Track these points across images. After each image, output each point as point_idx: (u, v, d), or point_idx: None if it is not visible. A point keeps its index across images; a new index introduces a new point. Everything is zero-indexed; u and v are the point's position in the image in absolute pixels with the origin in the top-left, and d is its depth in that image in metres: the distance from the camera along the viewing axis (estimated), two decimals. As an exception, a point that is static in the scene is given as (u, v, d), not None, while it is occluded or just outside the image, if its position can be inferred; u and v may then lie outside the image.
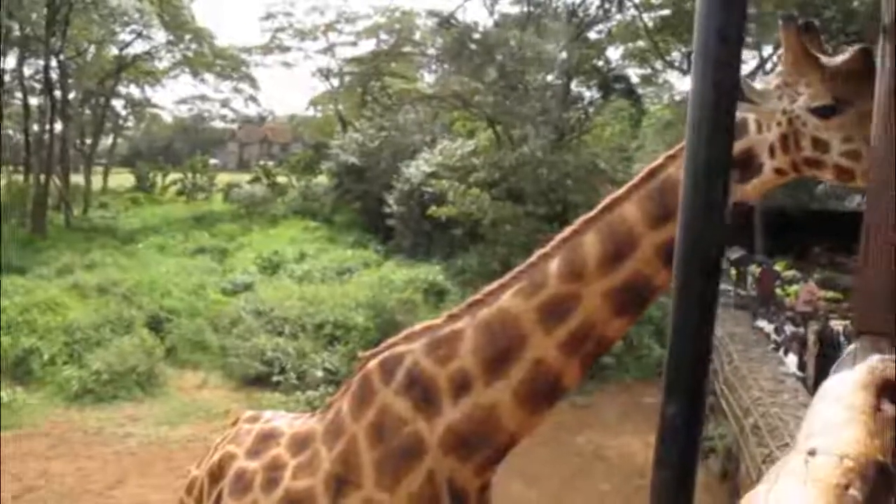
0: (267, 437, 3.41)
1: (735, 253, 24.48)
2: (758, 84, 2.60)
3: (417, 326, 3.00)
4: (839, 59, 2.50)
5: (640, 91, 40.40)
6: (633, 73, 40.23)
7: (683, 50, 35.38)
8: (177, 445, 16.66)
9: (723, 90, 1.04)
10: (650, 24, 34.90)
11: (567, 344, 2.58)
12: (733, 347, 18.11)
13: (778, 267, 26.90)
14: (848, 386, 1.65)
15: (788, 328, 19.40)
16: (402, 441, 2.79)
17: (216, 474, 3.53)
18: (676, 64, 36.70)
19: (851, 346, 2.00)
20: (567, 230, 2.67)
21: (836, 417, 1.43)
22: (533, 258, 2.74)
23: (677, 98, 38.71)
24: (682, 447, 1.00)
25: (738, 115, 2.38)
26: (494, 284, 2.81)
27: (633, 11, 35.61)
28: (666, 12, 34.14)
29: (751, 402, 14.03)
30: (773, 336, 20.18)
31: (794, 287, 24.43)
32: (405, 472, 2.78)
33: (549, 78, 30.26)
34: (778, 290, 24.60)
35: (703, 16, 1.04)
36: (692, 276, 1.00)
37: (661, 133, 34.38)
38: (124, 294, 23.80)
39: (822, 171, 2.49)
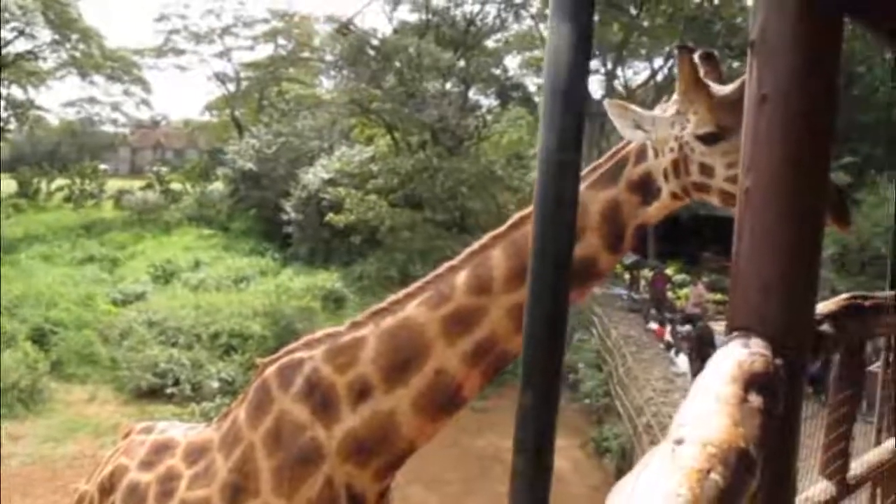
0: (161, 449, 3.30)
1: (629, 258, 25.23)
2: (655, 111, 2.70)
3: (318, 333, 2.97)
4: (728, 87, 2.60)
5: (537, 99, 41.20)
6: (531, 82, 41.01)
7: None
8: (62, 463, 15.99)
9: (571, 95, 1.11)
10: (546, 34, 35.70)
11: (470, 356, 2.62)
12: (627, 350, 18.65)
13: (670, 271, 27.90)
14: (718, 379, 1.74)
15: (679, 329, 20.11)
16: (300, 448, 2.78)
17: (107, 488, 3.39)
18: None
19: (725, 342, 2.11)
20: (476, 245, 2.72)
21: (704, 409, 1.51)
22: (440, 270, 2.77)
23: (574, 108, 39.67)
24: (537, 433, 1.05)
25: (643, 140, 2.57)
26: (400, 294, 2.83)
27: (529, 21, 36.36)
28: (562, 23, 34.99)
29: (643, 401, 14.49)
30: (666, 337, 20.87)
31: (685, 290, 25.37)
32: (303, 479, 2.77)
33: (448, 86, 30.56)
34: (670, 293, 25.49)
35: (552, 26, 1.12)
36: (545, 268, 1.06)
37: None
38: (6, 306, 22.71)
39: (710, 195, 2.62)
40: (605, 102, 2.62)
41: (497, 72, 36.97)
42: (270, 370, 2.97)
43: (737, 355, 1.92)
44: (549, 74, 1.13)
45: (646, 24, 35.03)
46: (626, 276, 29.33)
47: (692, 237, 30.81)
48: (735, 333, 2.17)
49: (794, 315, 2.16)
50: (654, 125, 2.61)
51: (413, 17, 36.53)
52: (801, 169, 2.09)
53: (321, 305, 24.92)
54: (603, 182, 2.64)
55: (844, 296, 2.95)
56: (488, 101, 36.41)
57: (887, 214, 20.09)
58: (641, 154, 2.65)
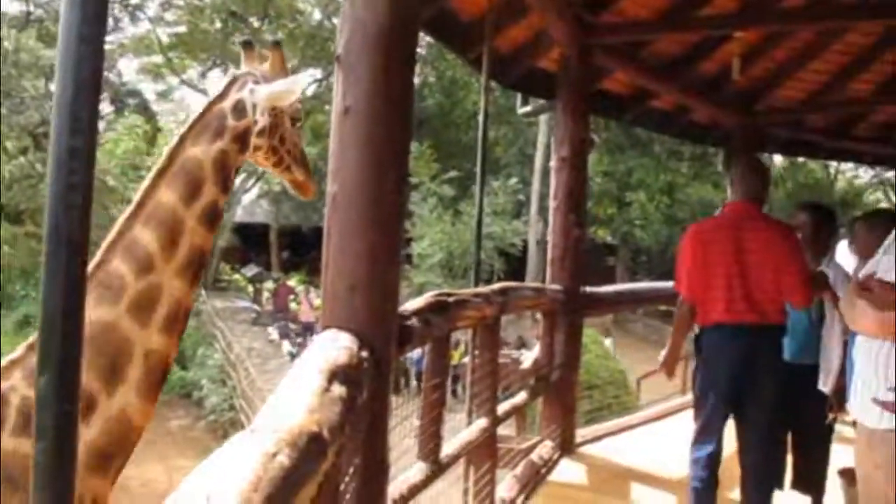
0: None
1: (251, 270, 25.19)
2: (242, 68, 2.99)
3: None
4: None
5: (155, 108, 39.46)
6: (149, 89, 39.23)
7: (200, 69, 35.47)
8: None
9: (82, 86, 1.14)
10: (165, 40, 34.31)
11: (164, 327, 2.72)
12: (250, 362, 18.64)
13: (292, 282, 28.29)
14: (305, 371, 1.85)
15: (299, 339, 20.52)
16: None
17: None
18: (192, 82, 36.60)
19: (317, 339, 2.23)
20: (111, 236, 2.74)
21: (286, 399, 1.60)
22: (90, 271, 2.65)
23: (194, 117, 38.58)
24: (55, 417, 1.05)
25: (247, 98, 2.82)
26: None
27: (147, 25, 34.74)
28: (182, 29, 33.90)
29: (269, 412, 14.55)
30: (288, 348, 21.16)
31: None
32: None
33: (51, 86, 28.10)
34: (293, 304, 25.85)
35: (64, 20, 1.15)
36: (59, 254, 1.06)
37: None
38: None
39: (272, 157, 2.94)
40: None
41: (111, 76, 34.82)
42: None
43: (324, 349, 2.05)
44: (62, 58, 1.14)
45: (268, 37, 35.37)
46: (250, 288, 29.25)
47: (313, 248, 31.66)
48: (328, 329, 2.32)
49: (379, 312, 2.35)
50: (250, 91, 2.90)
51: (13, 8, 33.08)
52: (380, 177, 2.28)
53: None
54: (210, 138, 2.83)
55: (431, 294, 3.26)
56: (101, 108, 34.12)
57: (484, 224, 22.39)
58: (242, 111, 2.87)
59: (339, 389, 1.78)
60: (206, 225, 2.80)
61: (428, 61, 33.51)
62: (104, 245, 2.76)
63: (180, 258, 2.77)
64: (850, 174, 32.91)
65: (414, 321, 2.81)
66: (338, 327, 2.30)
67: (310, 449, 1.34)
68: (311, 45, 32.55)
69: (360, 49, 2.35)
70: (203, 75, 37.11)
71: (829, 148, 8.90)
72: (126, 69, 37.52)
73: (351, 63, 2.37)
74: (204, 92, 37.02)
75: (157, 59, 35.85)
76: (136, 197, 2.81)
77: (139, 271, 2.72)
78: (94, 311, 2.67)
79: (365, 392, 2.07)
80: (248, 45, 3.03)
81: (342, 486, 2.08)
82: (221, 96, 2.89)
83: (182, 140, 2.82)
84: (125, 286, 2.71)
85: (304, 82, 2.99)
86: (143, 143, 32.46)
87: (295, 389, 1.69)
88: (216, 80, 37.58)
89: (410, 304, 2.97)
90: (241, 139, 2.89)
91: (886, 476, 2.45)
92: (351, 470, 2.24)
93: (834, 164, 29.01)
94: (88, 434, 2.64)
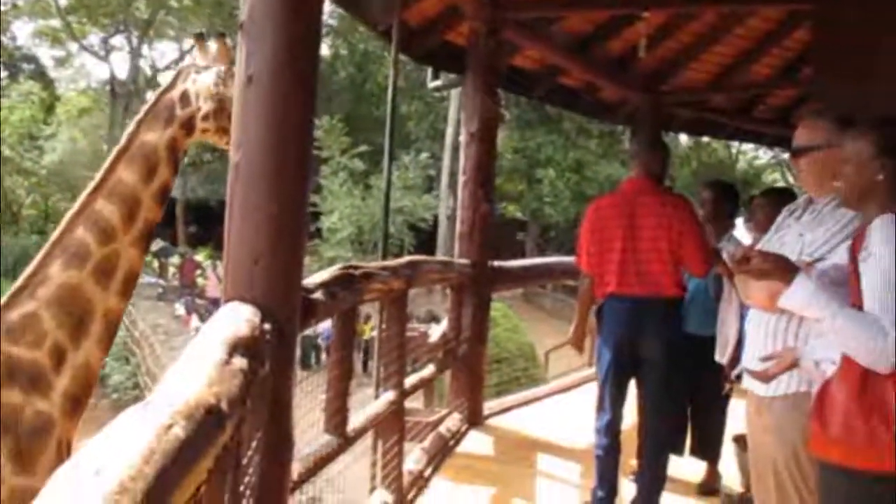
0: None
1: (156, 245, 24.49)
2: (187, 62, 3.47)
3: None
4: None
5: (53, 74, 37.83)
6: (46, 54, 37.56)
7: (101, 34, 34.14)
8: None
9: None
10: (63, 2, 32.79)
11: (121, 290, 3.17)
12: (155, 339, 18.21)
13: (199, 256, 27.68)
14: (205, 344, 1.81)
15: (206, 314, 20.10)
16: (29, 425, 2.99)
17: None
18: (94, 48, 35.21)
19: (219, 312, 2.19)
20: (76, 206, 3.15)
21: (183, 371, 1.57)
22: (56, 237, 3.13)
23: (95, 85, 37.19)
24: None
25: (190, 88, 3.28)
26: (30, 270, 3.12)
27: (41, -16, 33.14)
28: (81, -9, 32.47)
29: (174, 389, 14.26)
30: (196, 323, 20.73)
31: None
32: (41, 451, 3.00)
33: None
34: (200, 279, 25.32)
35: None
36: None
37: (77, 120, 32.61)
38: None
39: (226, 137, 3.17)
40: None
41: (4, 39, 33.14)
42: None
43: (225, 322, 2.01)
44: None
45: (174, 3, 34.23)
46: (155, 263, 28.49)
47: (222, 222, 30.97)
48: (230, 303, 2.28)
49: (283, 284, 2.32)
50: (193, 81, 3.36)
51: None
52: (283, 147, 2.24)
53: None
54: (161, 124, 3.23)
55: (337, 266, 3.24)
56: (-6, 72, 32.49)
57: (393, 198, 22.34)
58: (186, 100, 3.30)
59: (239, 362, 1.76)
60: (158, 202, 3.25)
61: (340, 33, 33.09)
62: (68, 215, 3.18)
63: (136, 230, 3.20)
64: (751, 155, 34.11)
65: (319, 294, 2.79)
66: (240, 299, 2.26)
67: (207, 421, 1.32)
68: (219, 14, 31.70)
69: (264, 17, 2.30)
70: (105, 42, 35.75)
71: (731, 128, 9.20)
72: (20, 32, 35.81)
73: (254, 31, 2.31)
74: (105, 59, 35.72)
75: (55, 22, 34.28)
76: (98, 174, 3.22)
77: (102, 240, 3.13)
78: (63, 275, 3.11)
79: (267, 365, 2.05)
80: (199, 37, 3.53)
81: (244, 460, 2.06)
82: (170, 87, 3.29)
83: (138, 126, 3.23)
84: (90, 253, 3.12)
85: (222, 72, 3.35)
86: (39, 112, 31.13)
87: (194, 362, 1.66)
88: (120, 47, 36.28)
89: (316, 277, 2.95)
90: (188, 125, 3.30)
91: (774, 441, 2.56)
92: (254, 444, 2.22)
93: (736, 144, 29.97)
94: (62, 383, 3.10)
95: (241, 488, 2.02)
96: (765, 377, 2.51)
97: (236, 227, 2.29)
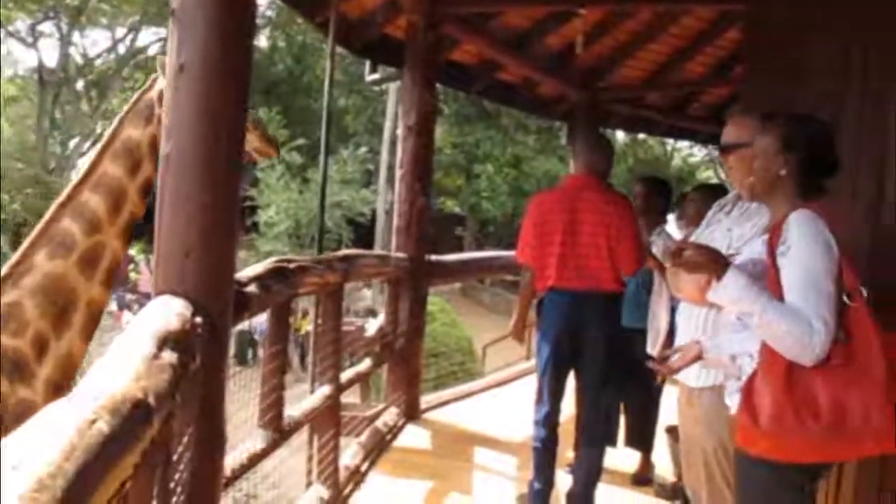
0: None
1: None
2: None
3: None
4: None
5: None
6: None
7: (29, 20, 33.09)
8: None
9: None
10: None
11: (104, 280, 3.20)
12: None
13: (132, 251, 27.08)
14: (134, 338, 1.77)
15: (139, 309, 19.70)
16: (12, 412, 2.98)
17: None
18: (21, 35, 34.09)
19: (149, 306, 2.14)
20: (61, 198, 3.19)
21: (110, 364, 1.53)
22: (41, 227, 3.16)
23: (22, 73, 36.05)
24: None
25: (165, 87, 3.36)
26: (14, 259, 3.15)
27: (-36, -30, 31.99)
28: (6, -23, 31.40)
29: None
30: (129, 318, 20.31)
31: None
32: None
33: None
34: (133, 274, 24.83)
35: None
36: None
37: (3, 109, 31.56)
38: None
39: None
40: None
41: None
42: None
43: (155, 316, 1.97)
44: None
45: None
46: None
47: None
48: (160, 296, 2.23)
49: (215, 277, 2.28)
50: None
51: None
52: (215, 137, 2.20)
53: None
54: (143, 122, 3.27)
55: (271, 259, 3.20)
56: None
57: (331, 192, 22.19)
58: (163, 99, 3.44)
59: (169, 356, 1.72)
60: (142, 196, 3.30)
61: (278, 25, 32.67)
62: (54, 205, 3.21)
63: (121, 222, 3.25)
64: (686, 152, 34.73)
65: (253, 288, 2.75)
66: (171, 293, 2.22)
67: (133, 416, 1.29)
68: (154, 2, 31.01)
69: (195, 5, 2.25)
70: (33, 28, 34.63)
71: (666, 126, 9.36)
72: None
73: (186, 19, 2.26)
74: (33, 46, 34.62)
75: None
76: (83, 167, 3.30)
77: (88, 231, 3.18)
78: (48, 264, 3.15)
79: (198, 359, 2.02)
80: None
81: (175, 456, 2.02)
82: (150, 87, 3.33)
83: (121, 122, 3.28)
84: (75, 243, 3.16)
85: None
86: (-37, 100, 30.05)
87: (121, 356, 1.62)
88: (49, 34, 35.17)
89: (249, 270, 2.91)
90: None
91: (703, 432, 2.62)
92: (185, 439, 2.18)
93: (671, 141, 30.55)
94: (44, 371, 3.14)
95: (172, 484, 1.99)
96: (669, 370, 2.55)
97: (167, 219, 2.24)
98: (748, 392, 2.11)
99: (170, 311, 2.02)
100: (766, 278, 2.12)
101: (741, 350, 2.24)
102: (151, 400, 1.41)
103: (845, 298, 2.00)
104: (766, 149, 2.19)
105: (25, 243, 3.20)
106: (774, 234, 2.12)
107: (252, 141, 3.56)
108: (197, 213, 2.20)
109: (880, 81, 3.10)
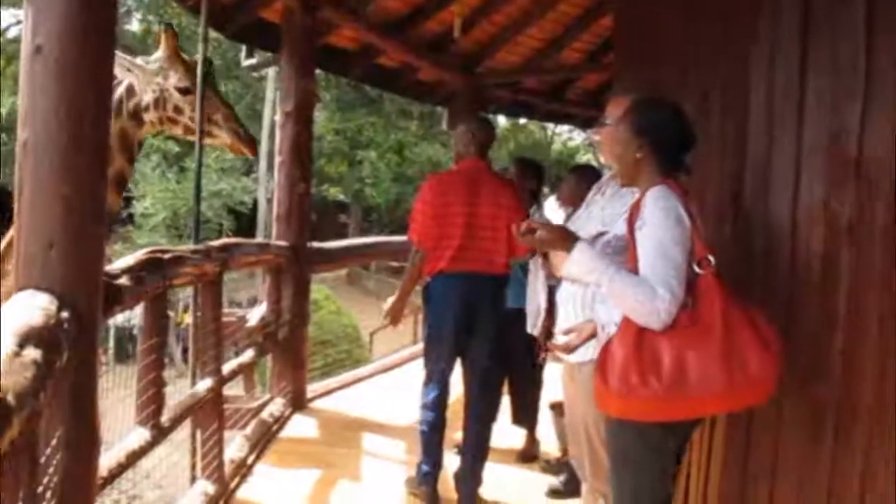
0: None
1: None
2: (140, 61, 3.65)
3: None
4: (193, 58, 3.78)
5: None
6: None
7: None
8: None
9: None
10: None
11: None
12: None
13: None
14: (-8, 337, 1.67)
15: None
16: None
17: None
18: None
19: (10, 301, 2.03)
20: None
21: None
22: (8, 237, 3.05)
23: None
24: None
25: (134, 80, 3.56)
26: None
27: None
28: None
29: None
30: None
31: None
32: None
33: None
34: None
35: None
36: None
37: None
38: None
39: (178, 127, 3.69)
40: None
41: None
42: None
43: (17, 311, 1.87)
44: None
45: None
46: None
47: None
48: (23, 291, 2.11)
49: (81, 270, 2.18)
50: (141, 71, 3.61)
51: None
52: (76, 122, 2.10)
53: None
54: (113, 116, 3.07)
55: (144, 250, 3.09)
56: None
57: (210, 181, 21.62)
58: (132, 92, 3.58)
59: (32, 353, 1.64)
60: (116, 189, 3.37)
61: (152, 9, 31.46)
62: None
63: (113, 170, 3.23)
64: (566, 136, 35.48)
65: (124, 280, 2.64)
66: (35, 287, 2.10)
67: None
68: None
69: (53, -18, 2.13)
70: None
71: (545, 110, 9.50)
72: None
73: (43, -3, 2.14)
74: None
75: None
76: None
77: None
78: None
79: (66, 356, 1.92)
80: (168, 28, 3.77)
81: (42, 459, 1.93)
82: (119, 82, 3.45)
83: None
84: None
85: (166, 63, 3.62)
86: None
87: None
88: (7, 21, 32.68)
89: (121, 262, 2.79)
90: (136, 116, 3.59)
91: (584, 405, 2.69)
92: (54, 441, 2.08)
93: (551, 126, 31.10)
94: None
95: (40, 489, 1.89)
96: (566, 349, 2.63)
97: (27, 210, 2.12)
98: (603, 356, 2.21)
99: (33, 307, 1.92)
100: (627, 252, 2.22)
101: (608, 319, 2.33)
102: (11, 399, 1.34)
103: (695, 267, 2.11)
104: (621, 136, 2.32)
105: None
106: (634, 211, 2.23)
107: (222, 137, 3.72)
108: (58, 203, 2.09)
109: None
